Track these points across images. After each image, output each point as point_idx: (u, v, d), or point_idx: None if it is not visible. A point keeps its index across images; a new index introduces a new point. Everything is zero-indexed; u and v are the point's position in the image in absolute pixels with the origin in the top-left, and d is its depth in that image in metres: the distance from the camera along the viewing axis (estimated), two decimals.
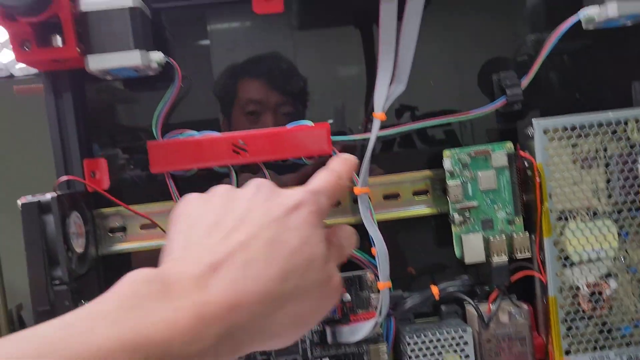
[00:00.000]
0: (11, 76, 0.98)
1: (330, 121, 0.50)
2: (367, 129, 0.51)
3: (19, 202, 0.40)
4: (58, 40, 0.41)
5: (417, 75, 0.45)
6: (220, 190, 0.32)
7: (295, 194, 0.31)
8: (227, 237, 0.28)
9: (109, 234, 0.48)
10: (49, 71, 0.45)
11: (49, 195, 0.40)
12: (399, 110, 0.51)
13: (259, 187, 0.31)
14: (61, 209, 0.40)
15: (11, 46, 0.40)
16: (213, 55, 0.53)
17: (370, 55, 0.52)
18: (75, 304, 0.40)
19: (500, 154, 0.46)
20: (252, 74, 0.53)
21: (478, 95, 0.51)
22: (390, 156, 0.50)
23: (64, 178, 0.43)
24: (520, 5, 0.52)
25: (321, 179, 0.34)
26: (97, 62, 0.40)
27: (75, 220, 0.43)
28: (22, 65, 0.97)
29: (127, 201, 0.46)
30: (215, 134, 0.46)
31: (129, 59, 0.41)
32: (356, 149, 0.49)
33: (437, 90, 0.53)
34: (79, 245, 0.43)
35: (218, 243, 0.27)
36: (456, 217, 0.46)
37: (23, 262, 0.40)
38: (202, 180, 0.47)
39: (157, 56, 0.42)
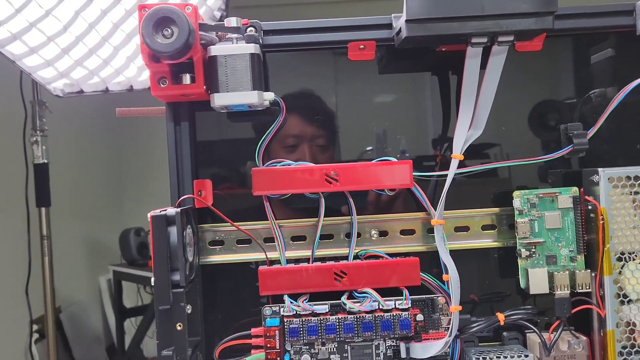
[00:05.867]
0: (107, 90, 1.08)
1: (370, 148, 0.56)
2: (441, 166, 0.56)
3: (150, 214, 0.46)
4: (187, 78, 0.48)
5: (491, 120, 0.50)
6: None
7: None
8: None
9: (209, 246, 0.54)
10: (170, 102, 0.52)
11: (173, 210, 0.47)
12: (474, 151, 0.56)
13: None
14: (182, 222, 0.47)
15: (149, 81, 0.48)
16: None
17: (420, 96, 0.58)
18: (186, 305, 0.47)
19: (566, 197, 0.51)
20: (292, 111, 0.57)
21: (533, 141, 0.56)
22: (462, 192, 0.55)
23: (185, 197, 0.50)
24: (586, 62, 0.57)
25: None
26: (221, 100, 0.47)
27: (189, 233, 0.49)
28: (144, 78, 1.05)
29: (224, 220, 0.53)
30: (310, 165, 0.52)
31: (248, 97, 0.47)
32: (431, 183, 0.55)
33: (506, 133, 0.58)
34: (190, 255, 0.49)
35: None
36: (523, 251, 0.51)
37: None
38: (295, 202, 0.53)
39: (269, 96, 0.49)
